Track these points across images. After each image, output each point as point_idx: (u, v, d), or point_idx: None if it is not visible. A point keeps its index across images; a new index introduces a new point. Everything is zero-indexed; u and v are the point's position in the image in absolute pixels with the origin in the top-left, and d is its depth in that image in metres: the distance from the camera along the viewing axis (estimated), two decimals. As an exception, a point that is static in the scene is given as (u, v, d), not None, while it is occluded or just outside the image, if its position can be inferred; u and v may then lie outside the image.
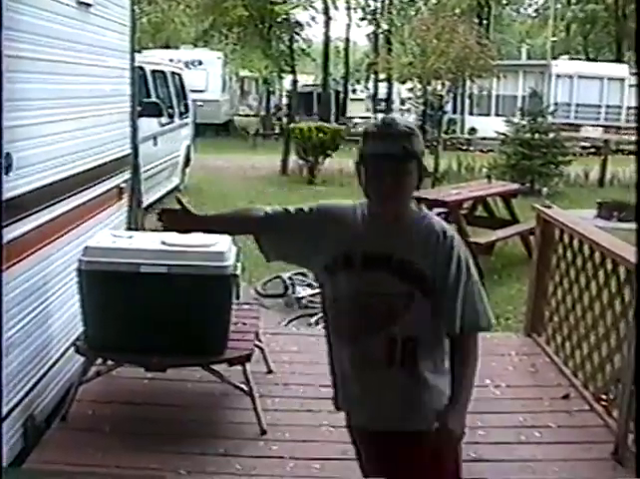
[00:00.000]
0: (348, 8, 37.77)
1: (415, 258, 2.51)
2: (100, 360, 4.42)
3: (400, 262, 2.51)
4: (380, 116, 29.91)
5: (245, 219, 2.82)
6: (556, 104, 23.37)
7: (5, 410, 3.56)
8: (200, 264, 4.01)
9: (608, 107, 28.95)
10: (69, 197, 4.37)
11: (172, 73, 13.82)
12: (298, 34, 32.56)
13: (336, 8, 35.51)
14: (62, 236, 4.29)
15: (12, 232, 3.51)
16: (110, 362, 4.43)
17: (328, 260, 2.59)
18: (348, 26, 39.11)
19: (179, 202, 2.72)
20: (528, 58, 38.82)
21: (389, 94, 37.50)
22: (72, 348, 4.30)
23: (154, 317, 4.00)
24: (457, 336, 2.56)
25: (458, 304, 2.52)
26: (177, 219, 2.73)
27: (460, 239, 2.62)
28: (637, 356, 3.72)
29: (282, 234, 2.65)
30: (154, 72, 12.19)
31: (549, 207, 5.85)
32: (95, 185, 4.88)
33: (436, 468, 2.59)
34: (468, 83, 27.48)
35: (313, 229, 2.62)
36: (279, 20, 30.50)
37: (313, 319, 6.83)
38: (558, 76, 28.46)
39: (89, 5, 4.74)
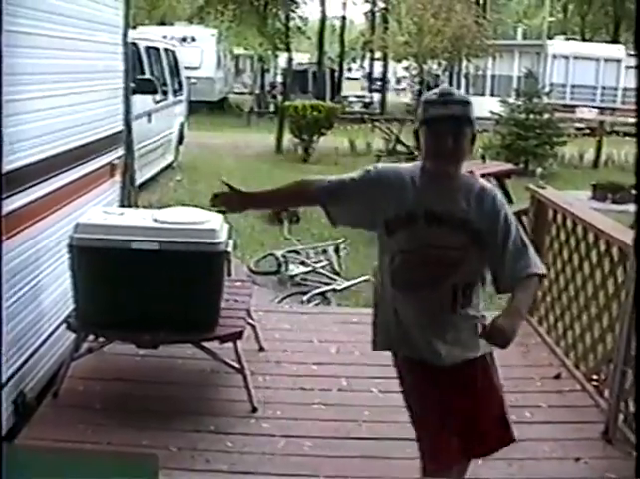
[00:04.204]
0: (344, -15, 37.55)
1: (472, 216, 2.80)
2: (91, 337, 4.41)
3: (461, 219, 2.79)
4: (375, 95, 29.62)
5: (301, 194, 3.06)
6: (552, 84, 23.32)
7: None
8: (192, 241, 3.99)
9: (604, 88, 28.85)
10: (61, 173, 4.34)
11: (166, 50, 13.73)
12: (294, 11, 32.30)
13: (332, -15, 35.28)
14: (54, 212, 4.26)
15: (3, 207, 3.48)
16: (101, 339, 4.42)
17: (389, 218, 2.82)
18: (344, 4, 38.86)
19: (228, 184, 2.95)
20: (524, 38, 38.63)
21: (384, 73, 37.27)
22: (63, 325, 4.29)
23: (145, 294, 3.98)
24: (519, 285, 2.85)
25: (508, 261, 2.82)
26: (229, 199, 2.99)
27: (504, 200, 2.94)
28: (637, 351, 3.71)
29: (343, 202, 2.89)
30: (147, 48, 12.11)
31: (544, 187, 5.83)
32: (87, 161, 4.85)
33: (493, 385, 3.12)
34: (463, 62, 27.40)
35: (371, 191, 2.84)
36: (275, -3, 30.28)
37: (305, 298, 6.84)
38: (554, 56, 28.34)
39: (81, -21, 4.69)
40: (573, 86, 28.33)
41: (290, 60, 31.24)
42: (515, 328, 2.80)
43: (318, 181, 2.96)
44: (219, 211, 3.02)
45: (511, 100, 16.51)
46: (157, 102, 11.92)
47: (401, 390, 3.09)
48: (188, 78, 16.01)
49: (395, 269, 2.89)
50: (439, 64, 25.44)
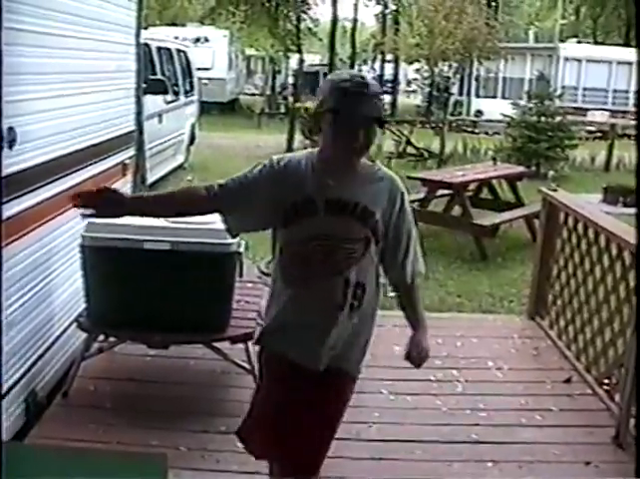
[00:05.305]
0: (356, -13, 37.52)
1: (373, 206, 2.63)
2: (102, 337, 4.42)
3: (363, 209, 2.62)
4: (386, 97, 29.31)
5: (192, 200, 2.77)
6: (564, 87, 23.22)
7: (7, 386, 3.57)
8: (204, 242, 3.99)
9: (616, 91, 28.77)
10: (73, 172, 4.35)
11: (178, 50, 13.77)
12: (305, 13, 32.38)
13: (344, -13, 35.29)
14: (65, 211, 4.27)
15: (15, 207, 3.50)
16: (112, 339, 4.43)
17: (287, 208, 2.62)
18: (356, 6, 38.86)
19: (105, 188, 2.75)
20: (536, 41, 38.57)
21: (395, 75, 37.28)
22: (74, 324, 4.30)
23: (156, 294, 3.99)
24: (405, 284, 2.80)
25: (409, 257, 2.75)
26: (102, 202, 2.65)
27: (405, 191, 2.77)
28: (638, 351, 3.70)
29: (242, 205, 2.66)
30: (159, 49, 12.15)
31: (555, 190, 5.82)
32: (99, 161, 4.86)
33: (335, 406, 2.85)
34: (475, 65, 27.37)
35: (269, 183, 2.65)
36: (286, -2, 30.35)
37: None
38: (566, 59, 28.27)
39: (94, -21, 4.71)
40: (585, 89, 28.26)
41: (301, 61, 31.31)
42: (428, 346, 2.90)
43: (209, 186, 2.70)
44: (87, 215, 2.63)
45: (523, 103, 16.46)
46: (168, 102, 11.96)
47: (258, 381, 3.01)
48: (200, 79, 16.04)
49: (286, 263, 2.70)
50: (450, 66, 25.40)
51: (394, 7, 37.32)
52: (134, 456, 3.43)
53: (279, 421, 2.81)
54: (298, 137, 17.05)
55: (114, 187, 2.66)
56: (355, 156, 2.62)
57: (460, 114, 28.57)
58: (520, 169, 11.54)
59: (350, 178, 2.63)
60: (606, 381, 4.64)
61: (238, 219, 2.71)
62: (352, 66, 39.02)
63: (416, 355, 2.83)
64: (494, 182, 10.24)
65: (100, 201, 2.66)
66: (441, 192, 9.45)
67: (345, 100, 2.52)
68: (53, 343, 4.22)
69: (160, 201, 2.87)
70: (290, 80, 36.83)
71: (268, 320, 2.83)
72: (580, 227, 5.20)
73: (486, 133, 21.97)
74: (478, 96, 29.87)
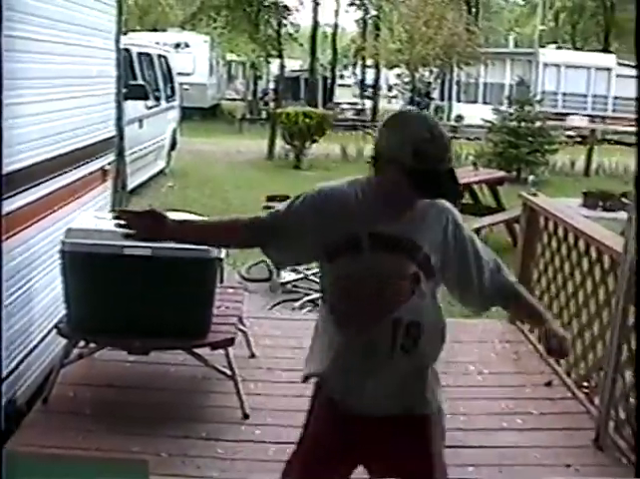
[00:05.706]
0: (337, -7, 37.60)
1: (421, 239, 2.45)
2: (82, 343, 4.39)
3: (410, 244, 2.43)
4: (367, 102, 29.24)
5: (233, 233, 2.63)
6: (543, 92, 23.42)
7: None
8: (185, 247, 3.97)
9: (595, 96, 29.02)
10: (53, 178, 4.33)
11: (159, 56, 13.76)
12: (286, 18, 32.40)
13: (325, -7, 35.36)
14: (45, 217, 4.25)
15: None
16: (92, 345, 4.40)
17: (330, 242, 2.45)
18: (336, 11, 38.96)
19: (150, 211, 2.59)
20: (516, 46, 38.83)
21: (376, 80, 37.36)
22: (54, 331, 4.28)
23: (136, 300, 3.98)
24: (492, 301, 2.64)
25: (485, 274, 2.54)
26: (145, 224, 2.56)
27: (457, 211, 2.57)
28: (638, 354, 3.72)
29: (283, 239, 2.51)
30: (140, 54, 12.13)
31: (535, 195, 5.85)
32: (79, 166, 4.84)
33: (427, 452, 2.66)
34: (455, 70, 27.51)
35: (312, 213, 2.48)
36: (267, 4, 30.37)
37: (297, 304, 6.84)
38: (546, 65, 28.49)
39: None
40: (564, 94, 28.47)
41: (282, 67, 31.32)
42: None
43: (252, 218, 2.56)
44: (127, 235, 2.57)
45: (503, 108, 16.59)
46: (149, 108, 11.93)
47: (306, 420, 2.81)
48: (181, 84, 16.02)
49: (334, 299, 2.53)
50: (431, 71, 25.53)
51: (374, 12, 37.45)
52: (114, 462, 3.41)
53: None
54: (279, 142, 17.06)
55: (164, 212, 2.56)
56: (419, 202, 2.47)
57: (440, 119, 28.66)
58: (501, 173, 11.61)
59: (398, 209, 2.45)
60: (586, 384, 4.66)
61: (281, 252, 2.58)
62: (333, 71, 39.16)
63: (557, 346, 2.55)
64: (475, 186, 10.28)
65: (143, 223, 2.57)
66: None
67: (427, 161, 2.34)
68: (33, 349, 4.19)
69: (203, 230, 2.73)
70: (271, 85, 36.86)
71: (313, 360, 2.68)
72: (560, 231, 5.23)
73: (467, 138, 22.02)
74: (458, 101, 30.04)
